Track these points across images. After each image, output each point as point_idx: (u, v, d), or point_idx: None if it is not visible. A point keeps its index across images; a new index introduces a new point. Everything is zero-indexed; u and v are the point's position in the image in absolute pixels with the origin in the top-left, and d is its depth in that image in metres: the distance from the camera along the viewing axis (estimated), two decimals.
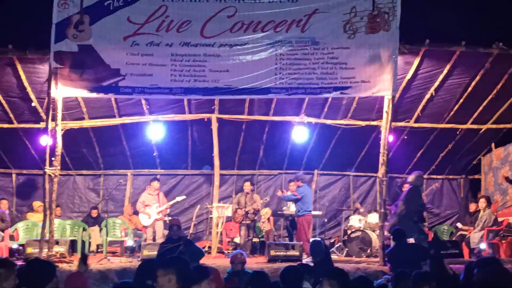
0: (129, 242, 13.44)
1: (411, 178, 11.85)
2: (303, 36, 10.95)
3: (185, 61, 10.94)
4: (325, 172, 16.05)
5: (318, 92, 11.24)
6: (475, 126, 14.44)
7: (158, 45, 10.93)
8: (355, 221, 13.96)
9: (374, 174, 14.13)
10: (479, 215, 13.05)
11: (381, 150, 11.38)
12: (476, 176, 16.15)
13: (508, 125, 14.38)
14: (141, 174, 15.81)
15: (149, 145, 14.65)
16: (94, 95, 11.33)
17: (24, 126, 13.68)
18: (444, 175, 16.31)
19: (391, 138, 11.43)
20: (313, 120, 13.76)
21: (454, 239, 13.46)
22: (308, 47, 10.97)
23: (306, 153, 15.40)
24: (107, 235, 12.77)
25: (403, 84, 12.54)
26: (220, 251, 13.31)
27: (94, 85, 11.01)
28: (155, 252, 10.58)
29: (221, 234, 13.46)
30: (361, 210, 14.73)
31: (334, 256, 12.88)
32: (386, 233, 11.21)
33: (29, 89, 12.34)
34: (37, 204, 13.74)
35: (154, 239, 13.35)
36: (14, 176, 15.30)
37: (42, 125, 12.53)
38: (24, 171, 15.23)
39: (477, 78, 12.60)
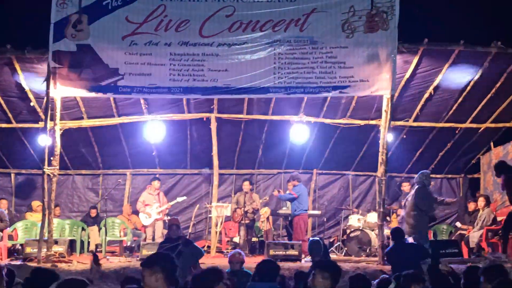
0: (128, 241, 13.44)
1: (417, 177, 11.82)
2: (302, 35, 10.95)
3: (184, 60, 10.94)
4: (324, 172, 16.04)
5: (317, 91, 11.23)
6: (474, 125, 14.42)
7: (157, 45, 10.92)
8: (354, 220, 13.95)
9: (373, 174, 14.18)
10: (478, 214, 13.04)
11: (380, 149, 11.38)
12: (475, 175, 16.14)
13: (507, 124, 14.37)
14: (140, 173, 15.80)
15: (148, 145, 14.62)
16: (92, 94, 11.33)
17: (23, 125, 13.67)
18: (443, 174, 16.30)
19: (390, 137, 11.43)
20: (312, 119, 13.75)
21: (453, 238, 13.46)
22: (306, 46, 10.97)
23: (305, 153, 15.38)
24: (106, 235, 12.77)
25: (402, 83, 12.53)
26: (219, 251, 13.32)
27: (93, 84, 11.02)
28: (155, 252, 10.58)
29: (220, 233, 13.46)
30: (359, 212, 14.74)
31: (333, 256, 12.90)
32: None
33: (27, 89, 12.33)
34: (36, 203, 13.73)
35: (153, 239, 13.35)
36: (13, 175, 15.28)
37: (40, 124, 12.52)
38: (23, 171, 15.21)
39: (476, 77, 12.59)
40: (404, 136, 14.52)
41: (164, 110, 13.50)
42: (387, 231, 11.92)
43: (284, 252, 11.53)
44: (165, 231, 12.49)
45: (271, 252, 11.48)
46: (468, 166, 16.26)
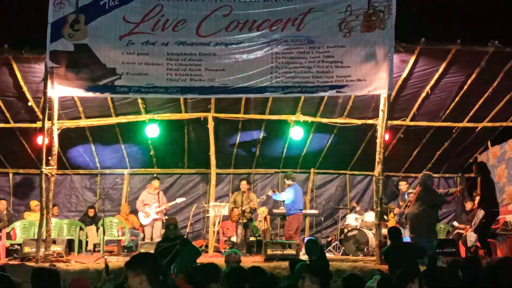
0: (126, 241, 13.45)
1: (420, 179, 11.83)
2: (299, 34, 10.94)
3: (181, 60, 10.92)
4: (321, 171, 16.08)
5: (314, 91, 11.21)
6: (471, 125, 14.44)
7: (154, 44, 10.91)
8: (352, 220, 13.97)
9: (371, 173, 14.20)
10: (476, 214, 13.05)
11: (378, 148, 11.39)
12: (473, 175, 16.11)
13: (504, 123, 14.40)
14: (137, 173, 15.82)
15: (146, 144, 14.66)
16: (90, 94, 11.30)
17: (21, 125, 13.67)
18: (440, 174, 16.33)
19: (387, 136, 11.45)
20: (309, 118, 13.77)
21: (450, 237, 13.49)
22: (303, 45, 10.95)
23: (302, 152, 15.41)
24: (104, 234, 12.77)
25: (399, 82, 12.55)
26: (217, 250, 13.32)
27: (90, 84, 10.98)
28: (152, 251, 10.58)
29: (217, 233, 13.48)
30: (358, 208, 14.77)
31: (330, 255, 12.93)
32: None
33: (25, 89, 12.34)
34: (34, 203, 13.75)
35: (151, 239, 13.36)
36: (11, 175, 15.32)
37: (38, 124, 12.54)
38: (21, 171, 15.24)
39: (473, 76, 12.61)
40: (401, 136, 14.53)
41: (161, 110, 13.52)
42: (384, 231, 11.93)
43: (281, 252, 11.51)
44: (164, 231, 12.49)
45: (269, 251, 11.48)
46: (466, 165, 16.29)
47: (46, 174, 11.00)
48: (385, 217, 13.68)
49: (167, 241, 9.59)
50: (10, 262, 11.03)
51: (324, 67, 10.99)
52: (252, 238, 13.97)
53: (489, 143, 15.26)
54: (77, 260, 11.25)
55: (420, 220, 11.34)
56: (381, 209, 11.38)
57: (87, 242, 13.53)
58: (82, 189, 15.72)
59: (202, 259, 9.94)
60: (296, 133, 13.61)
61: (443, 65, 12.27)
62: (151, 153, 15.07)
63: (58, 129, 11.57)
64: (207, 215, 13.85)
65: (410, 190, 13.71)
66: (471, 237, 12.58)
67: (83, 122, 13.57)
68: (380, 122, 11.42)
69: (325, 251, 13.29)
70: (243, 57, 10.99)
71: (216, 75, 10.98)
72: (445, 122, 14.26)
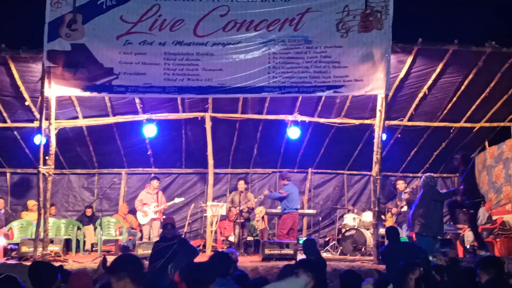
0: (124, 240, 13.44)
1: (423, 181, 11.82)
2: (296, 35, 10.96)
3: (178, 60, 10.93)
4: (319, 171, 16.09)
5: (311, 91, 11.23)
6: (468, 125, 14.47)
7: (151, 44, 10.92)
8: (349, 219, 13.98)
9: (368, 173, 14.14)
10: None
11: (375, 148, 11.40)
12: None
13: (502, 123, 14.42)
14: (135, 173, 15.83)
15: (143, 144, 14.66)
16: (87, 94, 11.31)
17: (18, 125, 13.67)
18: (438, 174, 16.31)
19: (384, 136, 11.45)
20: (306, 118, 13.76)
21: (448, 237, 13.48)
22: (301, 46, 10.97)
23: (300, 152, 15.42)
24: (101, 234, 12.77)
25: (396, 82, 12.57)
26: (214, 250, 13.30)
27: (88, 84, 10.99)
28: (150, 251, 10.57)
29: (215, 232, 13.47)
30: (354, 211, 14.77)
31: (328, 255, 12.95)
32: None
33: (22, 88, 12.33)
34: (31, 203, 13.73)
35: (149, 238, 13.36)
36: (8, 175, 15.30)
37: (36, 124, 12.55)
38: (18, 170, 15.22)
39: (470, 76, 12.62)
40: (399, 136, 14.55)
41: (158, 110, 13.50)
42: (382, 230, 11.93)
43: (279, 251, 11.52)
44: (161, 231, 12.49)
45: (266, 251, 11.48)
46: None
47: (43, 174, 11.01)
48: (383, 217, 13.70)
49: (164, 241, 9.57)
50: (8, 262, 11.02)
51: (322, 67, 11.01)
52: (249, 238, 13.98)
53: (486, 143, 15.25)
54: (74, 259, 11.27)
55: (431, 218, 11.25)
56: (378, 209, 11.39)
57: (84, 241, 13.51)
58: (79, 188, 15.73)
59: (199, 259, 9.94)
60: (293, 133, 13.61)
61: (441, 65, 12.28)
62: (148, 153, 15.07)
63: (55, 129, 11.57)
64: (205, 214, 13.84)
65: (407, 190, 13.75)
66: (469, 237, 12.60)
67: (81, 122, 13.57)
68: (377, 122, 11.44)
69: (323, 251, 13.40)
70: (240, 57, 11.01)
71: (214, 75, 10.99)
72: (442, 122, 14.28)
